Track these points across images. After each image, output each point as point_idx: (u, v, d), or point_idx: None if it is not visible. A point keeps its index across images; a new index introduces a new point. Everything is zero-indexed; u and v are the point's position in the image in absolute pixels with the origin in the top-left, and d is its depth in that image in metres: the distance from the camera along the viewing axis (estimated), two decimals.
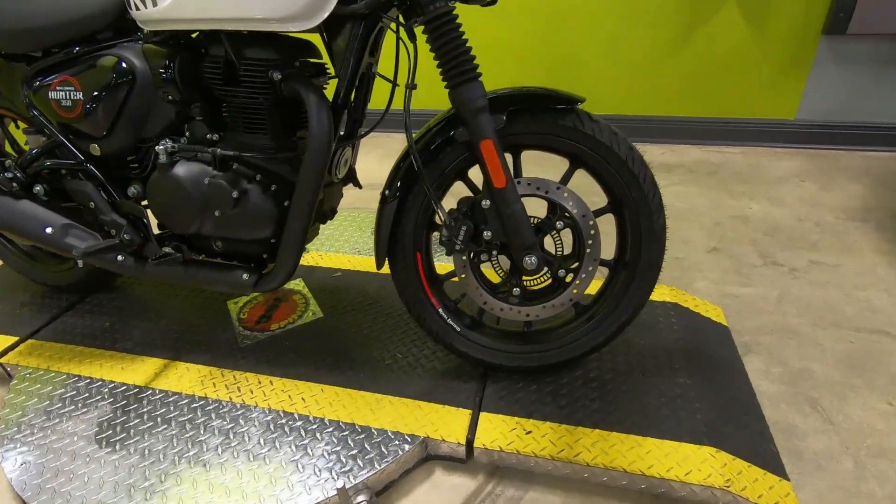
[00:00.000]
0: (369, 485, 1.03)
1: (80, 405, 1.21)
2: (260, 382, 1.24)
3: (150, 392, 1.24)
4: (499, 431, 1.09)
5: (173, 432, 1.13)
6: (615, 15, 2.62)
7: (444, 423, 1.11)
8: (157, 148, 1.10)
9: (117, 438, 1.12)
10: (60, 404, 1.22)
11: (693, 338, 1.33)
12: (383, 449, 1.06)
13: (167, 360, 1.33)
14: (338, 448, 1.07)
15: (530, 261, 1.03)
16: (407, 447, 1.07)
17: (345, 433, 1.10)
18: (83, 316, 1.52)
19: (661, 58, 2.67)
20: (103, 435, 1.13)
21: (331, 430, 1.11)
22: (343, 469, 1.03)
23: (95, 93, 1.11)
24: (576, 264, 1.11)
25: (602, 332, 1.16)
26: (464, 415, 1.13)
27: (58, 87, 1.14)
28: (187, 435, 1.12)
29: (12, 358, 1.37)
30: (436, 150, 1.05)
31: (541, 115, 1.03)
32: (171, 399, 1.21)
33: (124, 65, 1.11)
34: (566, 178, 1.10)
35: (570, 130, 1.02)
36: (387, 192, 1.08)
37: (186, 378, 1.27)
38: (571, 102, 1.01)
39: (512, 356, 1.19)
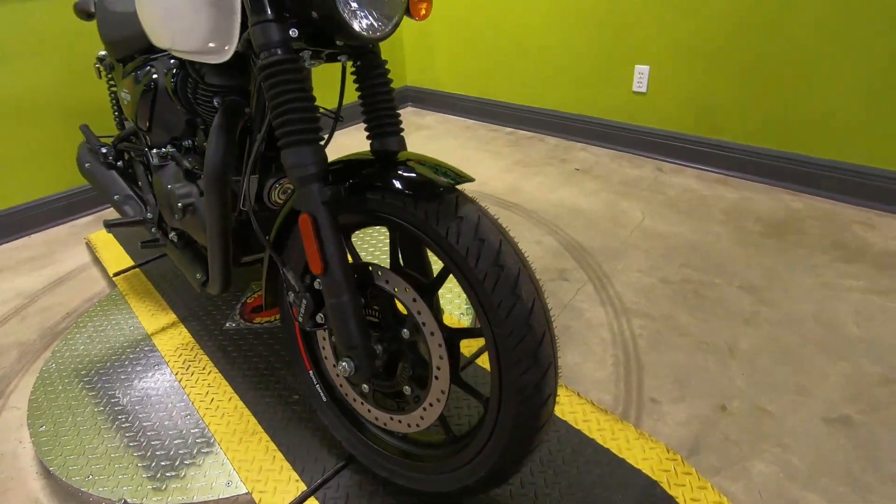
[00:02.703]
0: None
1: (116, 336, 1.56)
2: (204, 369, 1.38)
3: (146, 341, 1.51)
4: None
5: (130, 387, 1.36)
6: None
7: (274, 488, 1.05)
8: (151, 151, 1.28)
9: (104, 371, 1.41)
10: (109, 329, 1.59)
11: None
12: (213, 486, 1.07)
13: (177, 319, 1.59)
14: (185, 464, 1.12)
15: (343, 366, 0.84)
16: (228, 495, 1.05)
17: (206, 452, 1.15)
18: None
19: None
20: (97, 365, 1.44)
21: (201, 443, 1.17)
22: (170, 485, 1.08)
23: (135, 96, 1.34)
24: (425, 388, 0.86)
25: (463, 478, 0.89)
26: (297, 488, 1.04)
27: (123, 88, 1.41)
28: (134, 397, 1.33)
29: (119, 281, 1.84)
30: None
31: (401, 195, 0.80)
32: (153, 354, 1.46)
33: (154, 76, 1.30)
34: (438, 281, 0.84)
35: (420, 223, 0.77)
36: (267, 236, 1.02)
37: (174, 341, 1.50)
38: (430, 187, 0.75)
39: (368, 453, 1.02)
